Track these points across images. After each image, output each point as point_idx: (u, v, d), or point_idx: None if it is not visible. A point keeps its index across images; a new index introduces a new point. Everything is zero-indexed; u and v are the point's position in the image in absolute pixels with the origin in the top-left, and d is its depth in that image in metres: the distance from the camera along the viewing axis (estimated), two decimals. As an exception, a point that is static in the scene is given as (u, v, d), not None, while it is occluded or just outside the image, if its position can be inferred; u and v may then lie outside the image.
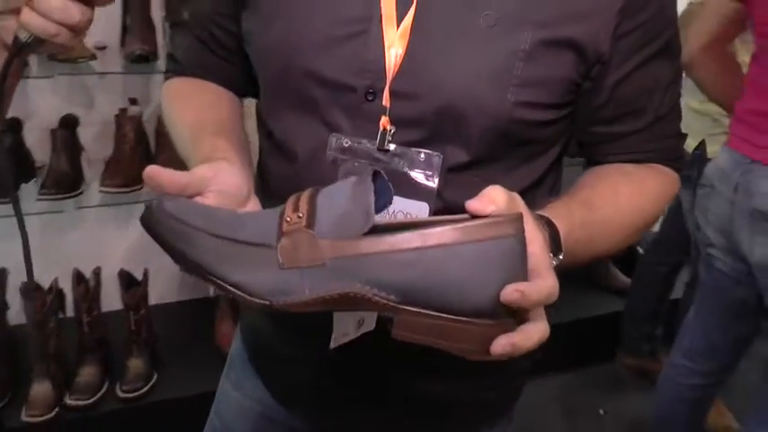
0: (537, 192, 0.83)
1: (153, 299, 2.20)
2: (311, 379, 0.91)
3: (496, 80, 0.73)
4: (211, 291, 2.22)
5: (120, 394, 1.97)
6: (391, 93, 0.76)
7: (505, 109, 0.73)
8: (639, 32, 0.77)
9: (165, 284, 2.37)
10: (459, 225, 0.57)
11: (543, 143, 0.79)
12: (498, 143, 0.75)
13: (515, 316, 0.58)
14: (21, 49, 0.70)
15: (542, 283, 0.58)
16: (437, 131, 0.76)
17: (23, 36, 0.70)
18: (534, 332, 0.58)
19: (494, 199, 0.59)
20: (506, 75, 0.73)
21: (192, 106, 0.89)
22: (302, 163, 0.81)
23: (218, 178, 0.67)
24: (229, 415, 1.05)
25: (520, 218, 0.58)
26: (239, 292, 0.58)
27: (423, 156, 0.77)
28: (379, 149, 0.78)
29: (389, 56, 0.75)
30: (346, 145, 0.79)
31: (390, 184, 0.70)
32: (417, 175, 0.78)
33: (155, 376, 2.05)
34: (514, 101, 0.73)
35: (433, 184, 0.77)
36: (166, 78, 0.98)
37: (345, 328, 0.79)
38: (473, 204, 0.59)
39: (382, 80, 0.76)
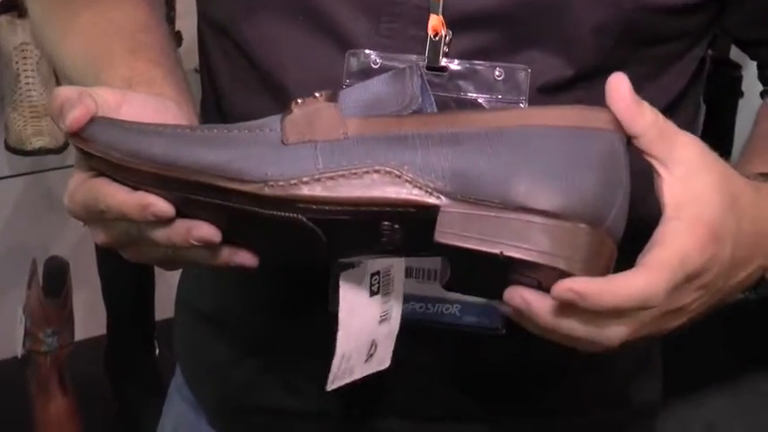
0: None
1: None
2: None
3: None
4: (19, 350, 1.62)
5: None
6: None
7: None
8: None
9: None
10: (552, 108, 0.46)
11: (677, 40, 0.55)
12: (615, 46, 0.51)
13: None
14: None
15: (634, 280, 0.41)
16: (520, 34, 0.51)
17: None
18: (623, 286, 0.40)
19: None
20: None
21: (85, 14, 0.60)
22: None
23: (123, 109, 0.48)
24: None
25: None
26: (219, 178, 0.43)
27: (500, 72, 0.51)
28: (429, 69, 0.51)
29: None
30: (375, 65, 0.52)
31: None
32: (492, 103, 0.52)
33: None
34: None
35: (519, 113, 0.51)
36: None
37: (349, 358, 0.53)
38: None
39: None
